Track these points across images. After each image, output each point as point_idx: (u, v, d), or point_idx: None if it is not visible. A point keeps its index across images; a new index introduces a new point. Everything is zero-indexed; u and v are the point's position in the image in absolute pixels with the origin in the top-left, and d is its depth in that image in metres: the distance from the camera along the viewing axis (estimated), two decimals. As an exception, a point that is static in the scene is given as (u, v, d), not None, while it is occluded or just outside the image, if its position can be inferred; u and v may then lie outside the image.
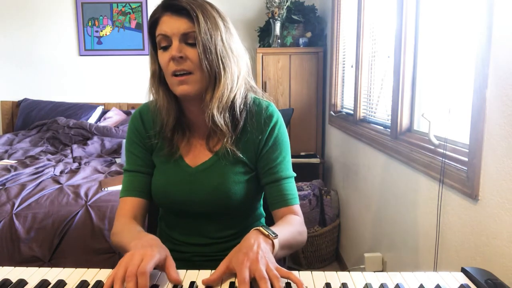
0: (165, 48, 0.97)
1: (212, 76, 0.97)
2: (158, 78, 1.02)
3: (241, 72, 1.02)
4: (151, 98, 1.07)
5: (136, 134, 1.10)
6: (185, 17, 0.95)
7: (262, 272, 0.75)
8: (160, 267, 0.81)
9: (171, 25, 0.95)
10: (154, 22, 0.99)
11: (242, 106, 1.03)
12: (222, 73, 0.97)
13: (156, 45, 1.00)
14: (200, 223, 1.09)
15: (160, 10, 0.98)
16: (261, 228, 0.86)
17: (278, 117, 1.08)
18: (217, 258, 1.06)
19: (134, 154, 1.10)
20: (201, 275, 0.82)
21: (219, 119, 0.99)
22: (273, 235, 0.86)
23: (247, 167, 1.06)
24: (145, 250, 0.79)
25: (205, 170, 1.05)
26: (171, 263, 0.81)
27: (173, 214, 1.12)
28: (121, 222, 1.03)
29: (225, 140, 1.01)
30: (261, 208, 1.19)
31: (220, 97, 0.97)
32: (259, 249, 0.80)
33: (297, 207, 1.06)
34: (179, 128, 1.06)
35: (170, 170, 1.07)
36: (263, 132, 1.05)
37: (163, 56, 0.97)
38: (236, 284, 0.76)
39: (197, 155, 1.07)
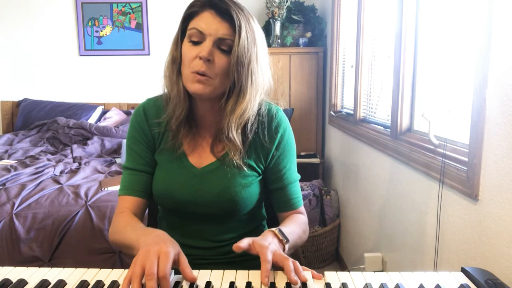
0: (195, 43, 0.93)
1: (238, 87, 0.94)
2: (178, 66, 0.98)
3: (264, 89, 1.00)
4: (163, 88, 1.03)
5: (139, 131, 1.06)
6: (227, 21, 0.92)
7: (284, 255, 0.81)
8: (173, 263, 0.78)
9: (211, 24, 0.92)
10: (192, 13, 0.95)
11: (253, 119, 1.01)
12: (249, 88, 0.95)
13: (185, 34, 0.96)
14: (202, 225, 1.06)
15: (203, 4, 0.94)
16: (276, 232, 0.91)
17: (286, 124, 1.07)
18: (218, 261, 1.05)
19: (135, 152, 1.06)
20: (201, 275, 0.82)
21: (234, 135, 0.98)
22: (286, 240, 0.90)
23: (254, 171, 1.05)
24: (159, 246, 0.76)
25: (211, 172, 1.02)
26: (184, 260, 0.79)
27: (173, 215, 1.09)
28: (122, 219, 0.99)
29: (232, 153, 1.00)
30: (263, 210, 1.18)
31: (241, 113, 0.96)
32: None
33: (301, 209, 1.11)
34: (186, 122, 1.02)
35: (174, 170, 1.03)
36: (273, 141, 1.04)
37: (190, 50, 0.93)
38: (236, 284, 0.78)
39: (202, 156, 1.04)
